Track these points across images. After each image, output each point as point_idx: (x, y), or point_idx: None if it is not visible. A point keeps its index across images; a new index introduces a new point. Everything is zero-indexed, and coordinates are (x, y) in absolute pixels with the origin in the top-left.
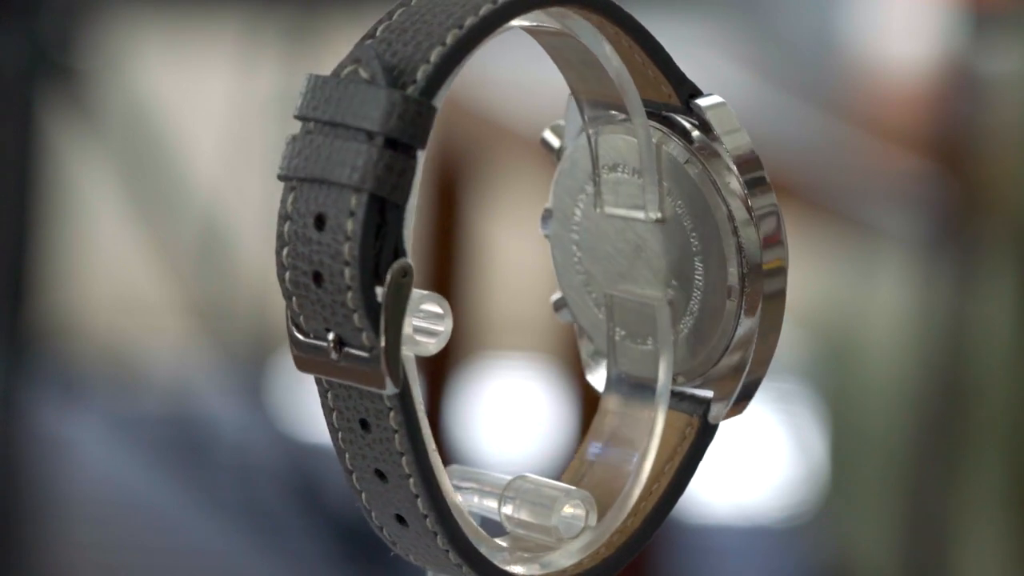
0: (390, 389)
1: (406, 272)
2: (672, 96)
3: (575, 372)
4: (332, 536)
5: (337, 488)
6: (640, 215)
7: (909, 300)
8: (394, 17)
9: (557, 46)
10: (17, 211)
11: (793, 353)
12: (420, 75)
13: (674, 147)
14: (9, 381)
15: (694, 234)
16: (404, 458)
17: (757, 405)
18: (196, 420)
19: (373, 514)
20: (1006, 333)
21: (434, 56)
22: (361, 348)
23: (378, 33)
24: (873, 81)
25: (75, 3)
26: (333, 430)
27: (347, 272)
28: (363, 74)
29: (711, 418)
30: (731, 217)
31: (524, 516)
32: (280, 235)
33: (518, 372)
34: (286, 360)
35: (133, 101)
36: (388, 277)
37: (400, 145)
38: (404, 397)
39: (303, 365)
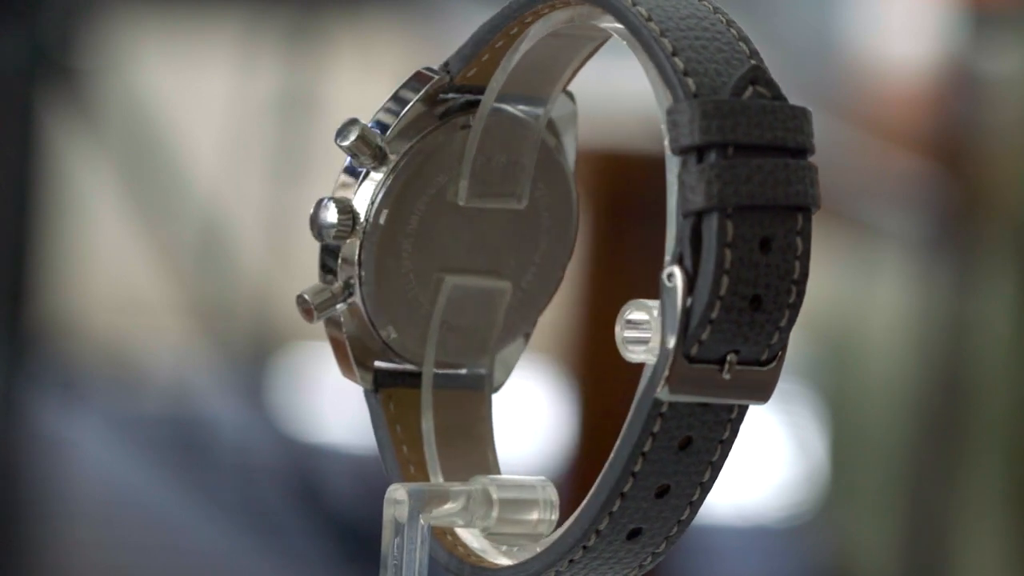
0: (767, 399)
1: None
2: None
3: (578, 373)
4: (332, 536)
5: (337, 488)
6: (507, 204)
7: (909, 300)
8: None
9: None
10: (17, 211)
11: (793, 353)
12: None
13: (547, 135)
14: (9, 381)
15: (546, 213)
16: (710, 469)
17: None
18: (196, 420)
19: (599, 533)
20: (1006, 333)
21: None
22: (757, 363)
23: (670, 49)
24: (873, 81)
25: (75, 3)
26: (635, 456)
27: (794, 290)
28: (764, 91)
29: (495, 392)
30: (576, 197)
31: (509, 514)
32: (719, 264)
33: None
34: (286, 360)
35: (133, 101)
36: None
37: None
38: (745, 408)
39: (685, 388)
